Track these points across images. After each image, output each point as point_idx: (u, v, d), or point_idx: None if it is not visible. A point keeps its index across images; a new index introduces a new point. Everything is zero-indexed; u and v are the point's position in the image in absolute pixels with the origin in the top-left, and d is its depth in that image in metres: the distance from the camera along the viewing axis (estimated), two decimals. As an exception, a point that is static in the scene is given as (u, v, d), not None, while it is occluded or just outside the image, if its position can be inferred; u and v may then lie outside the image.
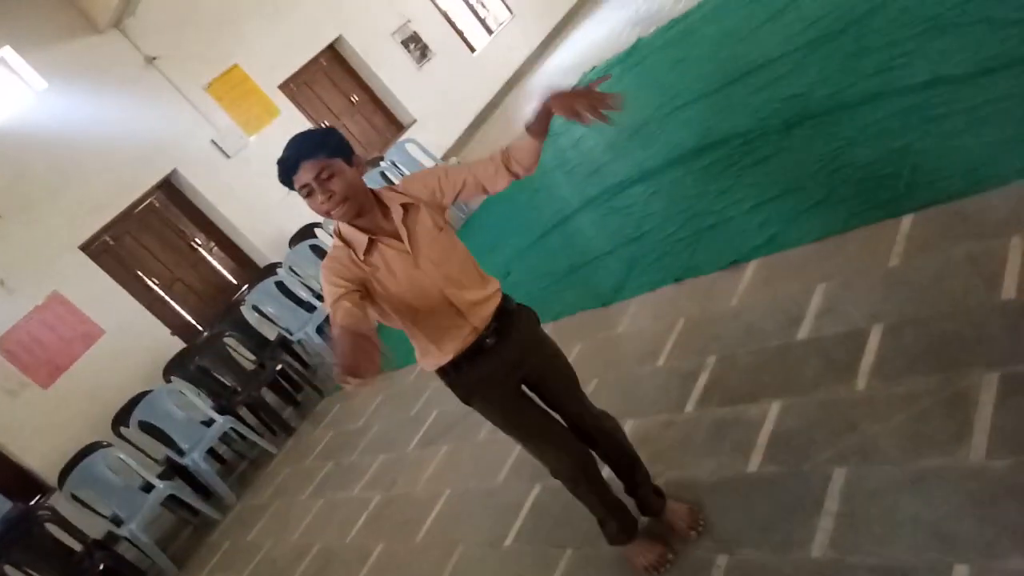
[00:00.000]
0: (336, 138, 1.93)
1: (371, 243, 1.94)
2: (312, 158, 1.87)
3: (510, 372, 2.16)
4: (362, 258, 1.94)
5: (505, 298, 2.15)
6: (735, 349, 2.90)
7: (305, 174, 1.86)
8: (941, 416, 2.07)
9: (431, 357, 2.13)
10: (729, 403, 2.69)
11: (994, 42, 3.33)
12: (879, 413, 2.21)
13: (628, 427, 2.98)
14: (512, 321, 2.14)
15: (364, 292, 1.92)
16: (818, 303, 2.79)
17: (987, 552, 1.71)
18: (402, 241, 1.96)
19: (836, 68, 4.27)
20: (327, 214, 1.91)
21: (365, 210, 1.94)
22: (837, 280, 2.83)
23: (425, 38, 10.91)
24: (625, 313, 3.72)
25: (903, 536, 1.88)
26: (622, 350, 3.51)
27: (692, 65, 6.36)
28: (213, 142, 8.56)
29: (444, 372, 2.16)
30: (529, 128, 1.99)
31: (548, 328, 4.24)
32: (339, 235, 1.98)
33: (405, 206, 1.98)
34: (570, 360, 3.73)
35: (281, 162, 1.91)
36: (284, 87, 9.37)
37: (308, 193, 1.89)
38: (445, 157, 10.00)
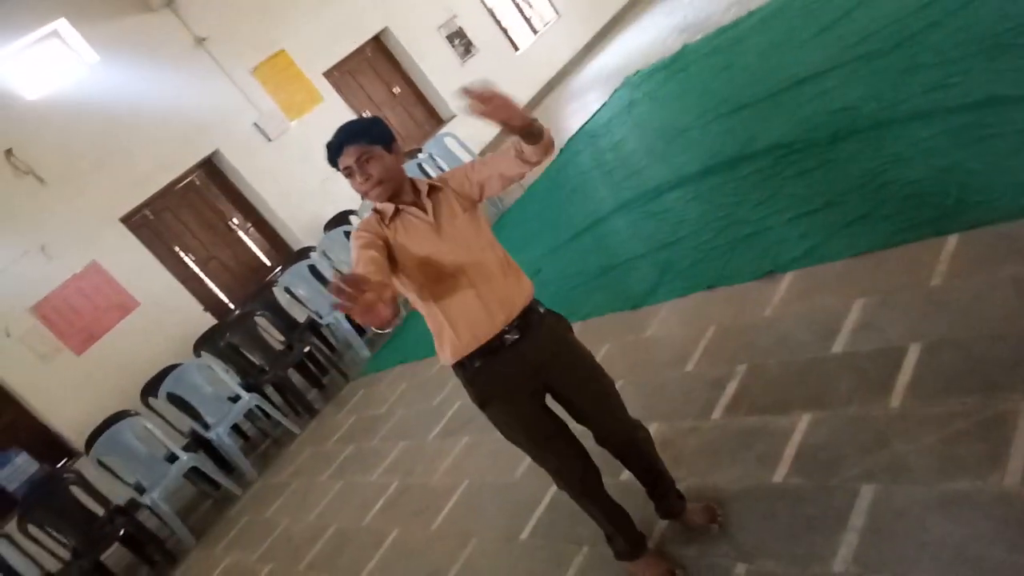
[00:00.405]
0: (379, 127, 2.08)
1: (397, 210, 2.07)
2: (355, 143, 2.02)
3: (531, 376, 2.13)
4: (387, 223, 2.06)
5: (535, 301, 2.16)
6: (766, 359, 2.86)
7: (347, 157, 2.02)
8: (976, 439, 2.02)
9: (448, 343, 2.09)
10: (757, 412, 2.65)
11: (1053, 64, 3.25)
12: (912, 432, 2.17)
13: (652, 430, 2.92)
14: (538, 322, 2.14)
15: (387, 251, 2.02)
16: (855, 318, 2.74)
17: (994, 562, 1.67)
18: (426, 212, 2.06)
19: (887, 83, 4.20)
20: (365, 194, 2.06)
21: (399, 193, 2.08)
22: (876, 296, 2.78)
23: (470, 34, 10.96)
24: (655, 317, 3.70)
25: (928, 557, 1.84)
26: (650, 353, 3.48)
27: (738, 73, 6.30)
28: (255, 125, 8.68)
29: (462, 366, 2.13)
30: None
31: (576, 328, 4.24)
32: (374, 209, 2.12)
33: (432, 186, 2.12)
34: (597, 361, 3.75)
35: (328, 146, 2.06)
36: (328, 75, 9.47)
37: (349, 174, 2.04)
38: (482, 152, 10.02)
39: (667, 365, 3.29)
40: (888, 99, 4.02)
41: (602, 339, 3.86)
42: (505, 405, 2.15)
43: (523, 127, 1.86)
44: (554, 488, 3.07)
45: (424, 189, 2.10)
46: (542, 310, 2.19)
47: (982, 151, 3.08)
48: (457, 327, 2.06)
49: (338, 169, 2.06)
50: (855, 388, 2.45)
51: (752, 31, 7.08)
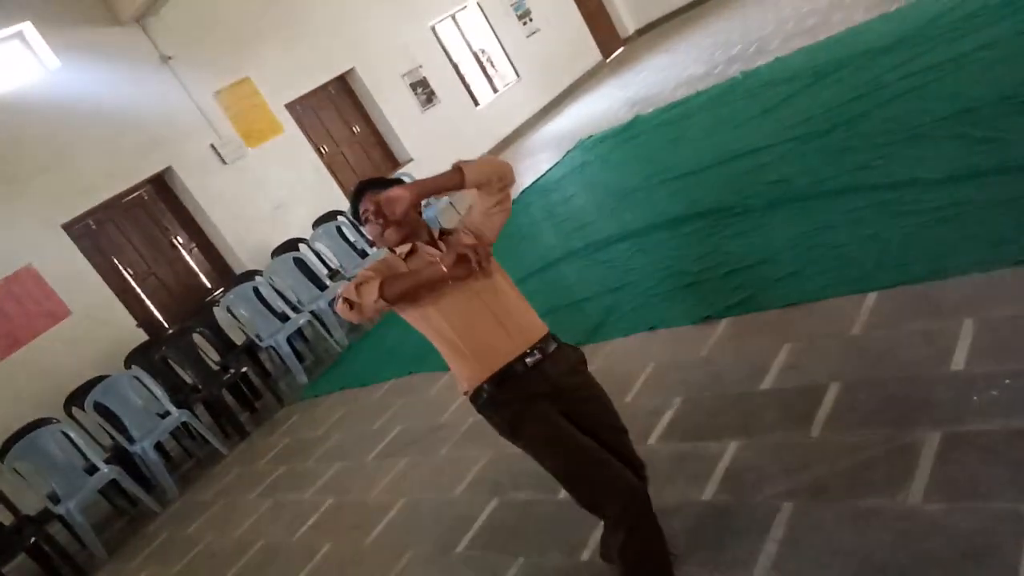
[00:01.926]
0: (398, 181, 2.31)
1: (413, 248, 2.19)
2: (375, 191, 2.20)
3: (555, 397, 2.10)
4: (405, 259, 2.18)
5: (552, 334, 2.21)
6: (701, 392, 3.07)
7: (367, 202, 2.19)
8: (886, 464, 2.25)
9: (468, 369, 2.11)
10: (690, 439, 2.84)
11: (964, 155, 3.67)
12: (829, 458, 2.39)
13: (590, 454, 3.11)
14: (557, 349, 2.17)
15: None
16: (783, 359, 2.99)
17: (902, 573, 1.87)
18: (441, 251, 2.16)
19: (819, 161, 4.61)
20: (381, 236, 2.19)
21: (415, 236, 2.20)
22: (803, 342, 3.04)
23: (433, 84, 11.30)
24: (599, 353, 3.88)
25: (839, 563, 2.03)
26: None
27: (685, 144, 6.73)
28: (212, 147, 8.70)
29: (484, 392, 2.10)
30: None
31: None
32: (390, 249, 2.25)
33: (444, 230, 2.30)
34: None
35: (353, 193, 2.26)
36: (290, 107, 9.61)
37: (367, 219, 2.19)
38: (439, 199, 10.23)
39: (610, 395, 3.45)
40: (820, 175, 4.40)
41: (545, 373, 4.02)
42: (541, 422, 2.07)
43: (446, 191, 2.17)
44: (494, 504, 3.19)
45: (436, 233, 2.25)
46: (561, 341, 2.22)
47: (900, 223, 3.43)
48: (479, 352, 2.08)
49: (357, 218, 2.24)
50: (780, 419, 2.67)
51: (700, 108, 7.59)
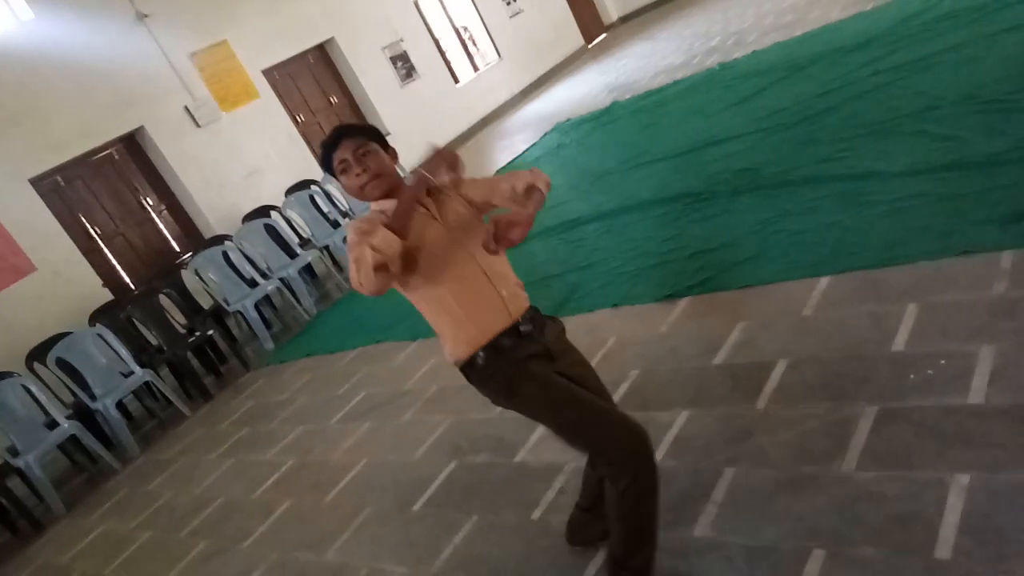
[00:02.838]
0: (375, 129, 2.11)
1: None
2: (352, 137, 2.03)
3: (548, 360, 2.07)
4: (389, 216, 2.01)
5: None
6: (657, 366, 3.18)
7: (344, 150, 2.01)
8: (824, 435, 2.37)
9: (462, 335, 2.03)
10: (643, 408, 2.94)
11: (923, 151, 3.80)
12: (772, 428, 2.50)
13: (548, 422, 3.20)
14: (542, 319, 2.16)
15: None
16: (736, 337, 3.10)
17: (842, 541, 1.99)
18: (427, 209, 2.06)
19: (786, 152, 4.73)
20: (360, 189, 2.02)
21: (396, 192, 2.04)
22: (756, 321, 3.16)
23: (413, 59, 11.26)
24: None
25: (774, 524, 2.14)
26: (553, 358, 3.75)
27: (659, 131, 6.82)
28: (186, 109, 8.60)
29: (478, 359, 2.02)
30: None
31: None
32: (372, 208, 2.11)
33: (430, 188, 2.09)
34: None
35: (324, 144, 2.06)
36: (268, 73, 9.52)
37: (344, 169, 2.02)
38: (412, 173, 10.22)
39: (569, 368, 3.55)
40: (785, 165, 4.52)
41: (509, 344, 4.10)
42: (539, 379, 2.02)
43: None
44: (453, 465, 3.27)
45: (423, 189, 2.06)
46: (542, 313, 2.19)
47: (858, 213, 3.56)
48: (473, 315, 2.02)
49: (331, 171, 2.06)
50: (729, 392, 2.78)
51: (675, 97, 7.69)
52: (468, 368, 2.08)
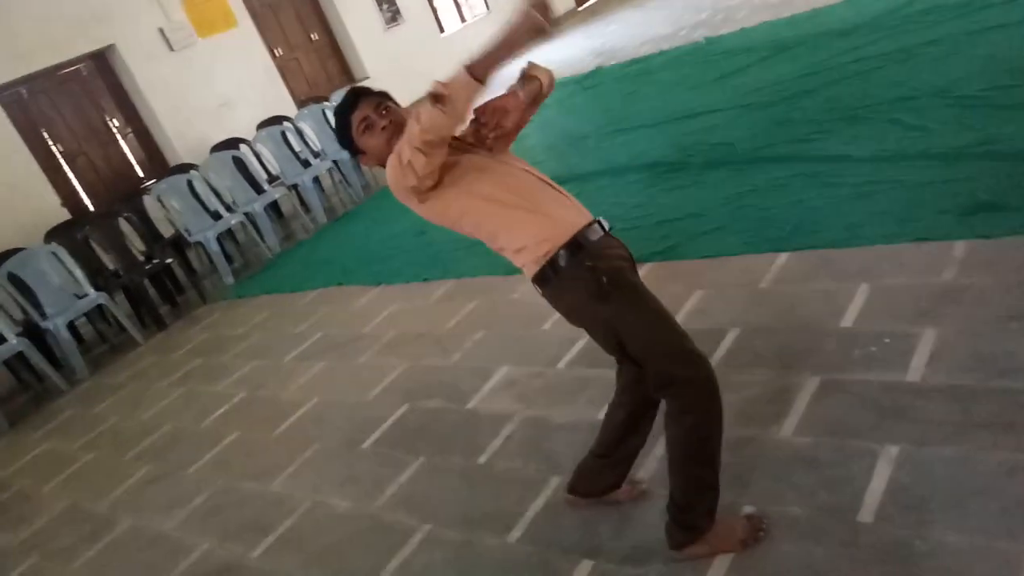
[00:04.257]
0: (388, 94, 2.03)
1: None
2: (370, 98, 1.97)
3: (634, 271, 1.95)
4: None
5: None
6: (614, 325, 3.22)
7: (365, 108, 1.95)
8: (766, 402, 2.43)
9: (544, 234, 1.83)
10: (596, 367, 2.98)
11: (894, 139, 3.86)
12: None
13: (503, 373, 3.25)
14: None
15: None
16: (693, 303, 3.15)
17: (772, 500, 2.06)
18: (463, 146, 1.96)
19: (761, 130, 4.76)
20: (388, 143, 1.90)
21: None
22: (714, 290, 3.21)
23: (400, 3, 11.02)
24: (525, 283, 3.91)
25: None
26: (514, 312, 3.78)
27: (640, 100, 6.81)
28: (161, 31, 8.35)
29: (565, 256, 1.81)
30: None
31: (450, 285, 4.51)
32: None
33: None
34: (463, 313, 4.01)
35: (339, 107, 1.99)
36: (248, 2, 9.25)
37: (368, 126, 1.94)
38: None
39: (527, 323, 3.59)
40: (759, 142, 4.56)
41: (472, 296, 4.12)
42: (634, 284, 1.87)
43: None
44: (405, 408, 3.30)
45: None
46: None
47: (824, 194, 3.61)
48: (544, 207, 1.84)
49: (349, 141, 1.97)
50: (681, 355, 2.83)
51: (660, 67, 7.66)
52: (551, 270, 1.83)
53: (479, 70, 1.68)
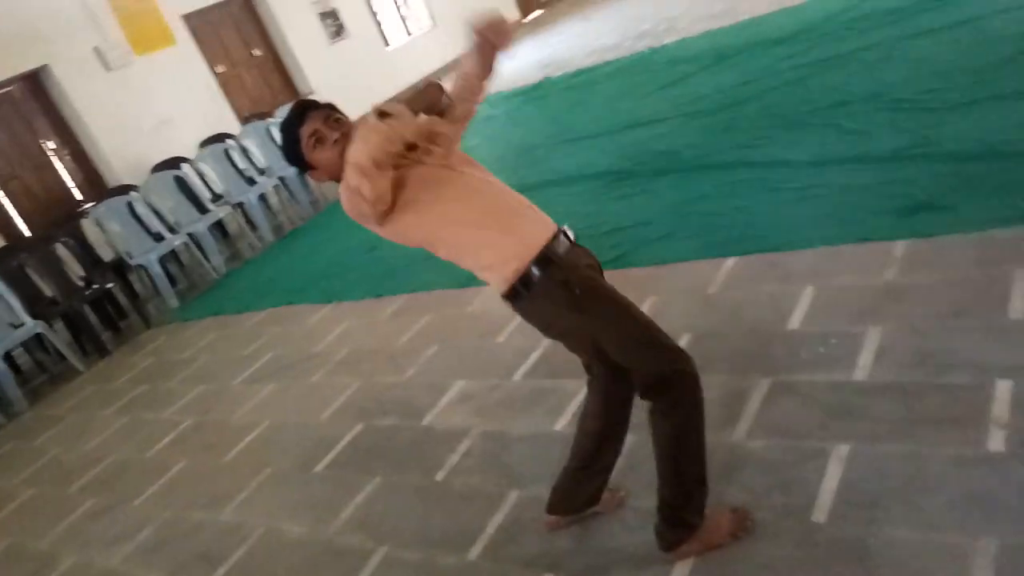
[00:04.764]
0: (335, 107, 1.97)
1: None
2: (318, 108, 1.91)
3: (601, 276, 1.99)
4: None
5: None
6: (567, 335, 3.21)
7: (313, 121, 1.87)
8: (719, 405, 2.44)
9: (513, 251, 1.80)
10: (552, 377, 2.98)
11: (834, 143, 3.95)
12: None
13: (459, 388, 3.21)
14: None
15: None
16: (645, 310, 3.10)
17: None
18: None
19: (705, 137, 4.84)
20: (340, 157, 1.82)
21: None
22: (664, 296, 3.23)
23: (343, 17, 10.95)
24: (478, 296, 3.97)
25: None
26: (468, 325, 3.75)
27: (587, 109, 6.88)
28: (96, 50, 8.12)
29: (538, 273, 1.79)
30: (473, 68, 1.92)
31: (403, 300, 4.46)
32: None
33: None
34: (416, 328, 3.96)
35: (285, 122, 1.92)
36: (188, 18, 9.08)
37: (318, 139, 1.87)
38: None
39: (482, 335, 3.57)
40: (704, 149, 4.63)
41: (424, 311, 4.08)
42: (608, 290, 1.88)
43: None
44: (359, 428, 3.24)
45: None
46: None
47: (768, 199, 3.68)
48: (515, 228, 1.82)
49: (297, 157, 1.91)
50: (635, 363, 2.84)
51: (605, 77, 7.76)
52: (522, 287, 1.81)
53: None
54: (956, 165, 3.29)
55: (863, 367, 2.35)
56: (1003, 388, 2.05)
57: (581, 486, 2.16)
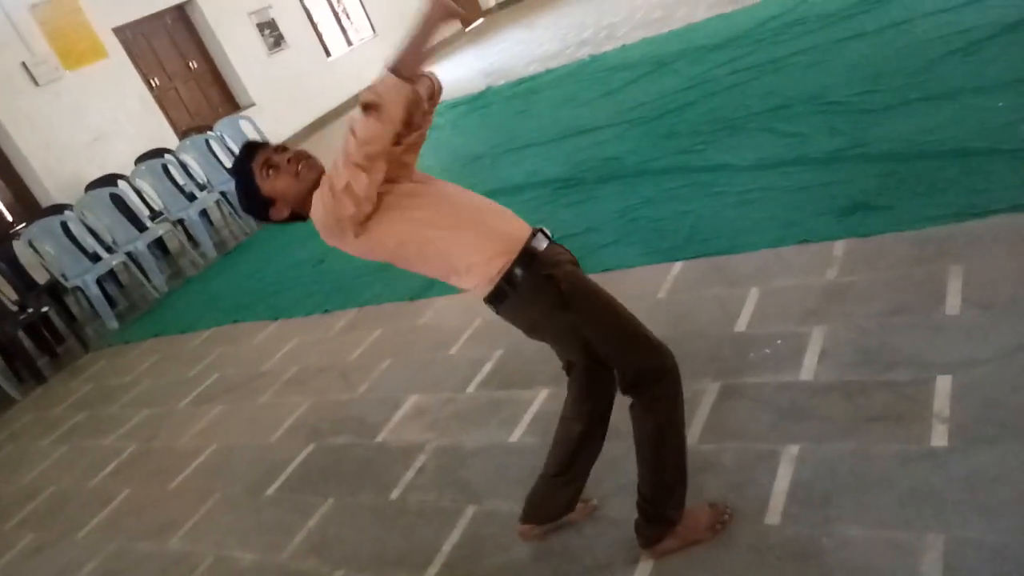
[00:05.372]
0: (282, 148, 1.95)
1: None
2: (265, 146, 1.92)
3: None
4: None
5: None
6: (522, 345, 3.14)
7: (261, 154, 1.87)
8: (672, 411, 2.47)
9: (493, 251, 1.79)
10: (506, 387, 2.97)
11: (773, 146, 4.04)
12: (623, 404, 2.57)
13: (412, 402, 3.17)
14: None
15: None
16: (596, 318, 3.17)
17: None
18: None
19: (648, 143, 4.90)
20: (296, 176, 1.84)
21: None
22: (615, 303, 3.25)
23: (282, 28, 10.80)
24: (430, 308, 3.94)
25: (619, 495, 2.21)
26: (419, 338, 3.71)
27: (531, 118, 6.90)
28: (24, 65, 7.83)
29: (521, 272, 1.78)
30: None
31: (353, 314, 4.39)
32: None
33: None
34: (368, 343, 3.91)
35: (235, 164, 1.90)
36: (119, 31, 8.83)
37: (271, 167, 1.85)
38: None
39: (434, 348, 3.53)
40: (647, 155, 4.69)
41: (377, 324, 4.03)
42: (592, 285, 1.88)
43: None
44: (310, 448, 3.17)
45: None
46: None
47: (711, 203, 3.74)
48: (493, 229, 1.81)
49: (253, 197, 1.87)
50: (588, 371, 2.85)
51: (547, 85, 7.80)
52: (507, 286, 1.79)
53: (404, 69, 1.65)
54: (891, 165, 3.39)
55: (809, 367, 2.39)
56: (943, 383, 2.11)
57: (559, 494, 2.14)
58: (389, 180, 1.80)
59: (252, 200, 1.90)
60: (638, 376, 1.86)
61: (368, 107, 1.66)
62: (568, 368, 2.08)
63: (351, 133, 1.68)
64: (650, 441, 1.89)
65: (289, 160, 1.85)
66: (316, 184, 1.82)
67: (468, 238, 1.81)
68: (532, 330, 1.98)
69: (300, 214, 1.90)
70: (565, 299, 1.80)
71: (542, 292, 1.81)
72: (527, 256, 1.80)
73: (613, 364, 1.90)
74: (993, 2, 4.66)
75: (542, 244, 1.85)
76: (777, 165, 3.82)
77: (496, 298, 1.84)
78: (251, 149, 1.90)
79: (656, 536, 1.94)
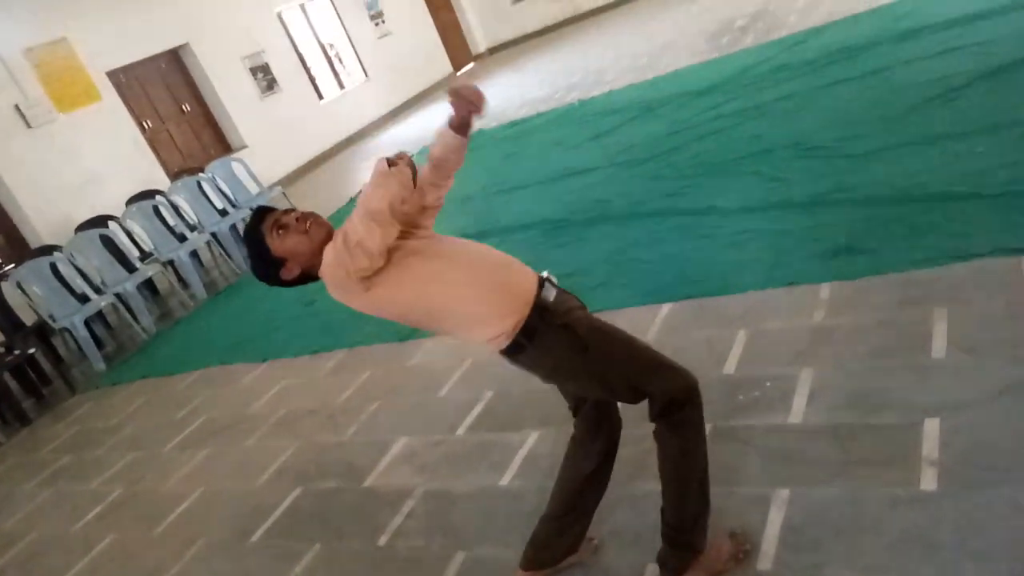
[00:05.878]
0: (290, 210, 2.00)
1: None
2: (273, 209, 1.97)
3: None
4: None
5: None
6: (511, 386, 3.20)
7: (271, 216, 1.92)
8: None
9: (508, 307, 1.82)
10: (496, 430, 2.96)
11: (758, 190, 4.10)
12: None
13: (401, 444, 3.16)
14: None
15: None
16: (586, 360, 3.18)
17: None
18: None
19: (636, 186, 4.97)
20: (306, 234, 1.88)
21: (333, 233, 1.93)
22: (605, 345, 3.26)
23: (275, 72, 10.94)
24: (420, 349, 3.93)
25: (615, 536, 2.20)
26: (409, 380, 3.70)
27: (521, 160, 7.00)
28: (16, 108, 7.89)
29: (537, 323, 1.82)
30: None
31: (342, 355, 4.38)
32: None
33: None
34: (356, 385, 3.90)
35: (246, 230, 1.94)
36: (112, 75, 8.92)
37: (281, 227, 1.89)
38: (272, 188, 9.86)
39: (424, 390, 3.52)
40: (635, 198, 4.75)
41: (365, 366, 4.02)
42: (605, 326, 1.93)
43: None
44: (297, 492, 3.13)
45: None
46: None
47: (699, 245, 3.79)
48: (505, 284, 1.85)
49: (265, 261, 1.91)
50: (578, 413, 2.84)
51: (538, 128, 7.93)
52: (525, 339, 1.82)
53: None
54: (874, 209, 3.45)
55: (798, 410, 2.40)
56: (931, 426, 2.12)
57: (563, 535, 2.12)
58: (401, 236, 1.83)
59: (263, 261, 1.93)
60: (670, 400, 1.90)
61: (391, 164, 1.73)
62: (575, 408, 2.09)
63: (377, 186, 1.73)
64: (677, 464, 1.92)
65: (298, 219, 1.89)
66: (325, 242, 1.86)
67: (480, 294, 1.84)
68: (551, 376, 2.01)
69: (310, 273, 1.93)
70: (584, 343, 1.84)
71: (560, 341, 1.85)
72: (540, 308, 1.84)
73: (641, 395, 1.93)
74: (969, 51, 4.80)
75: (551, 294, 1.89)
76: (763, 208, 3.88)
77: (514, 351, 1.87)
78: (261, 213, 1.93)
79: (682, 566, 1.94)
